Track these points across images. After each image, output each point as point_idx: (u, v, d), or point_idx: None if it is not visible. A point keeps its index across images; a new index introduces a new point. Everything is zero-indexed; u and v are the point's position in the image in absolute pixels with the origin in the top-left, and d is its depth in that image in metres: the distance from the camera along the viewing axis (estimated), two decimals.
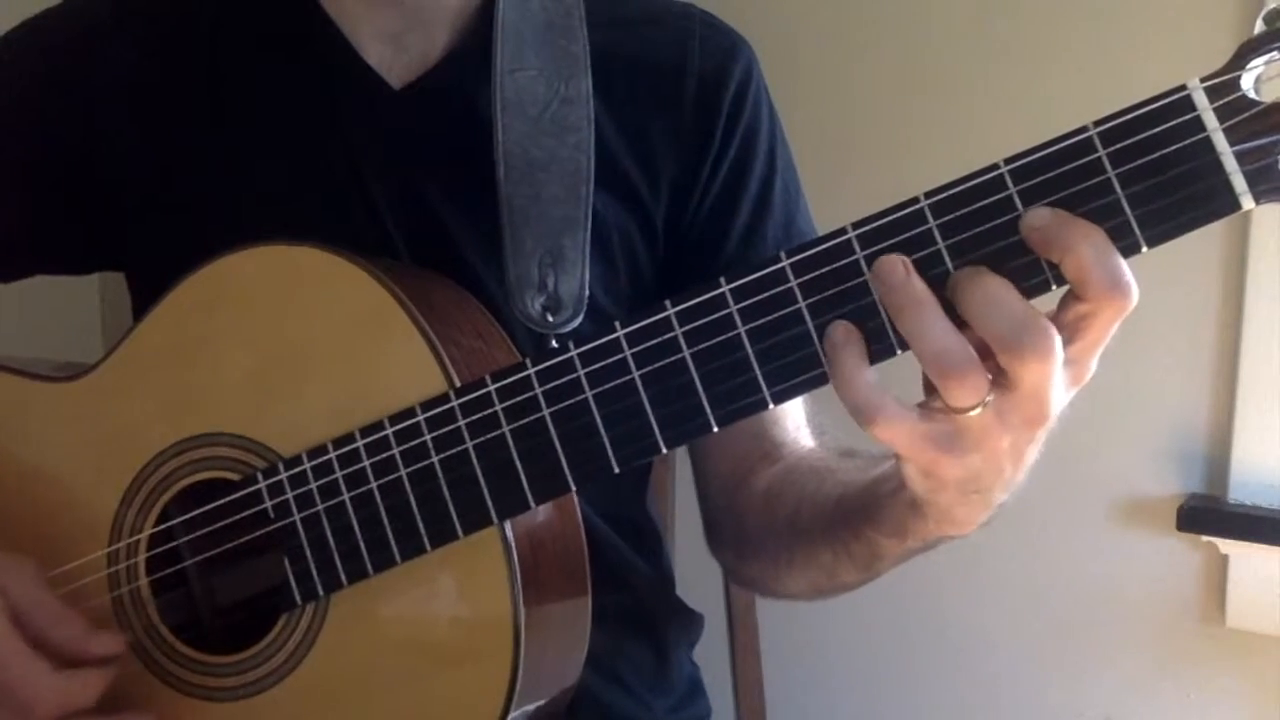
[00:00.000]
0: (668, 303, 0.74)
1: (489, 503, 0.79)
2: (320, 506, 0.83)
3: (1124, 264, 0.66)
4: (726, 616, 1.48)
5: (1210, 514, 1.60)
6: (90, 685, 0.85)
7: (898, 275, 0.68)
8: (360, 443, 0.82)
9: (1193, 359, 1.62)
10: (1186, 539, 1.63)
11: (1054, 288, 0.68)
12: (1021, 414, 0.68)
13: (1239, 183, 0.64)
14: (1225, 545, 1.61)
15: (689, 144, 1.04)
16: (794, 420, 1.06)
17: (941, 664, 1.80)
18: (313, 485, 0.83)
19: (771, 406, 0.72)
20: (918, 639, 1.81)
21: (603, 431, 0.75)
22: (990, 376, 0.67)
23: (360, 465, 0.82)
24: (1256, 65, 0.65)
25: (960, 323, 0.67)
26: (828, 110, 1.76)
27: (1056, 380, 0.67)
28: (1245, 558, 1.60)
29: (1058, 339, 0.66)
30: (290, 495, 0.84)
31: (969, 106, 1.70)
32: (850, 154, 1.74)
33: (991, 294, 0.66)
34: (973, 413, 0.67)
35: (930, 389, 0.70)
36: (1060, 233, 0.66)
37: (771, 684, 1.52)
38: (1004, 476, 0.73)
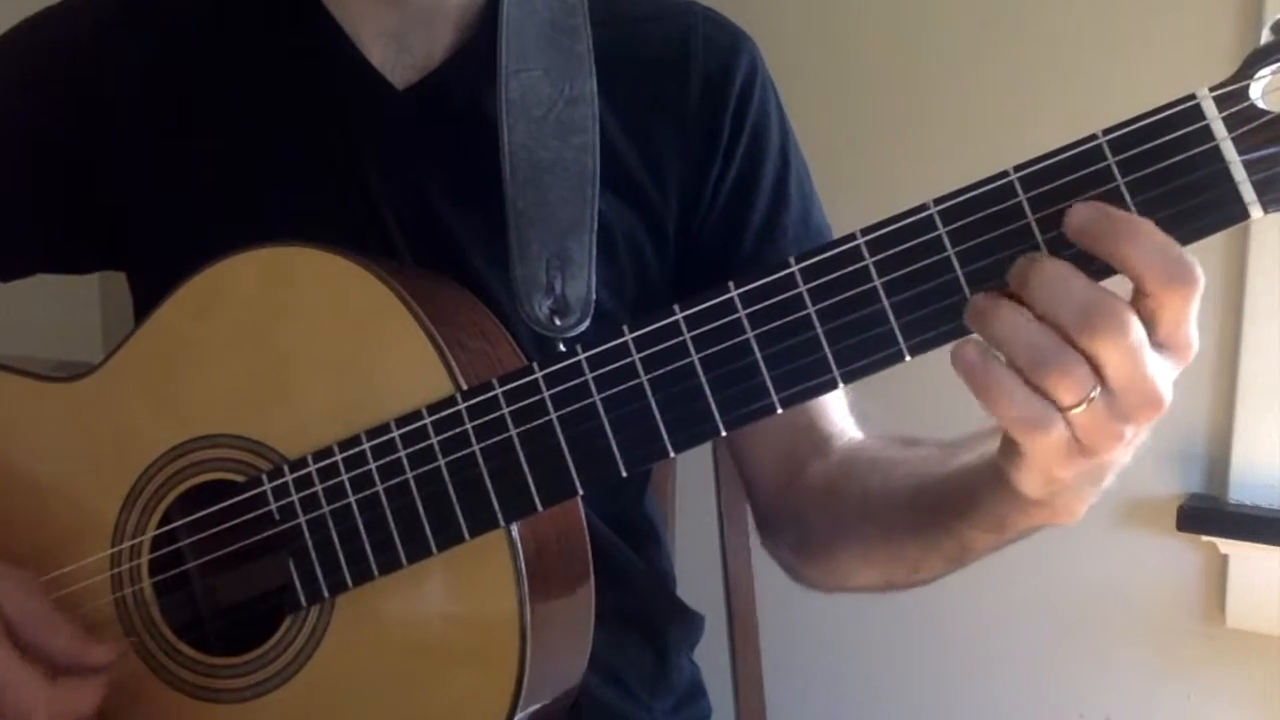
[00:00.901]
0: (676, 307, 0.74)
1: (496, 505, 0.79)
2: (326, 509, 0.83)
3: (1180, 252, 0.64)
4: (726, 616, 1.48)
5: (1210, 514, 1.61)
6: (85, 695, 0.85)
7: (981, 300, 0.67)
8: (366, 445, 0.82)
9: (1193, 359, 1.61)
10: (1186, 539, 1.63)
11: None
12: (1129, 400, 0.66)
13: (1248, 191, 0.65)
14: (1225, 545, 1.61)
15: (695, 142, 1.04)
16: (838, 410, 1.05)
17: (942, 664, 1.81)
18: (318, 487, 0.83)
19: (780, 411, 0.72)
20: (918, 639, 1.81)
21: (610, 435, 0.76)
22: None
23: (366, 468, 0.82)
24: (1264, 74, 0.65)
25: None
26: (828, 109, 1.76)
27: (1151, 361, 0.65)
28: (1245, 558, 1.60)
29: (1130, 314, 0.64)
30: (295, 497, 0.84)
31: (971, 109, 1.70)
32: (850, 154, 1.74)
33: (1052, 275, 0.65)
34: (1078, 410, 0.66)
35: None
36: (1104, 236, 0.65)
37: (771, 684, 1.52)
38: (1118, 464, 0.73)
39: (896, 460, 0.94)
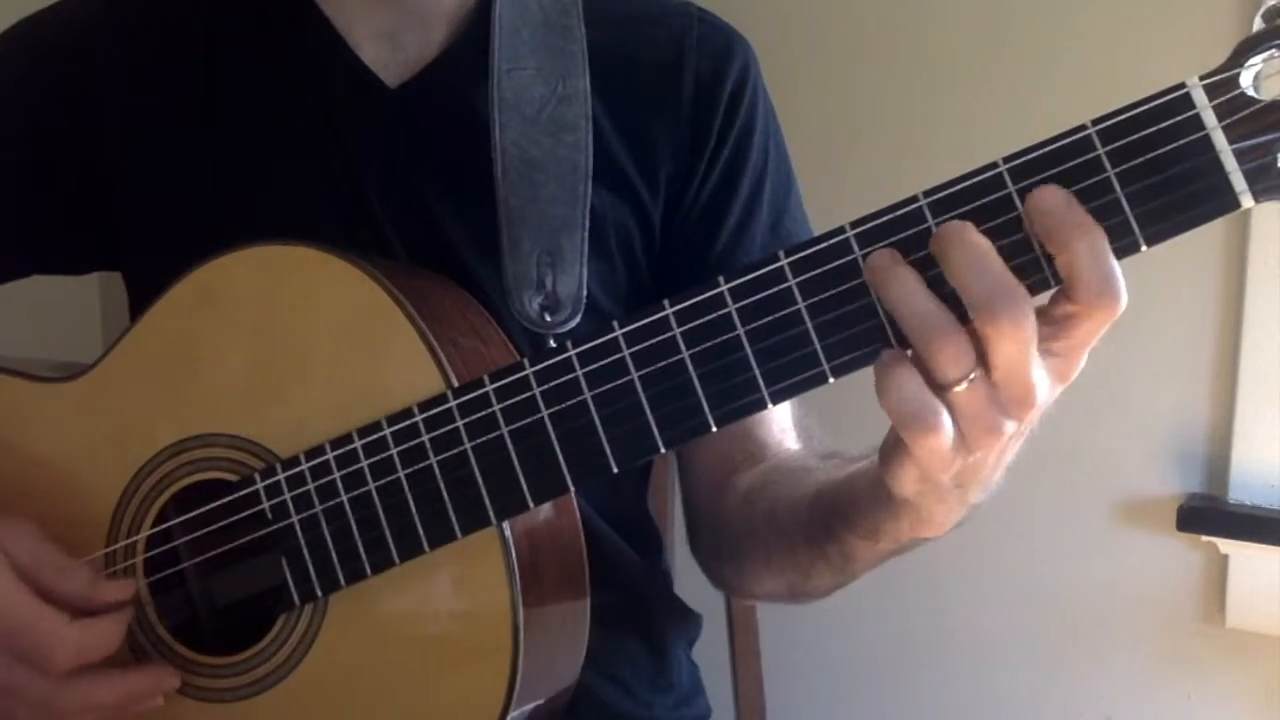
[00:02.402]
0: (666, 302, 0.73)
1: (487, 503, 0.79)
2: (318, 508, 0.83)
3: (1117, 270, 0.65)
4: (726, 616, 1.48)
5: (1210, 514, 1.60)
6: (108, 633, 0.84)
7: (883, 259, 0.69)
8: (358, 443, 0.82)
9: (1193, 359, 1.62)
10: (1186, 539, 1.63)
11: (1053, 285, 0.67)
12: (1008, 393, 0.67)
13: (1238, 181, 0.64)
14: (1225, 545, 1.61)
15: (686, 141, 1.04)
16: (780, 423, 1.06)
17: (941, 664, 1.80)
18: (310, 486, 0.83)
19: (770, 406, 0.72)
20: (918, 639, 1.81)
21: (601, 432, 0.75)
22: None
23: (358, 466, 0.82)
24: (1255, 63, 0.64)
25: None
26: (826, 108, 1.76)
27: (1036, 360, 0.67)
28: (1245, 558, 1.60)
29: (1030, 307, 0.66)
30: (288, 496, 0.84)
31: (967, 104, 1.70)
32: (848, 151, 1.74)
33: (972, 253, 0.66)
34: (960, 387, 0.67)
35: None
36: (1061, 226, 0.66)
37: (771, 684, 1.52)
38: (986, 472, 0.74)
39: (810, 469, 0.96)
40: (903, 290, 0.68)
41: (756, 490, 1.00)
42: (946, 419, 0.67)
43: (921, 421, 0.67)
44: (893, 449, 0.72)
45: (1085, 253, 0.65)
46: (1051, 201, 0.66)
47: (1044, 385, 0.68)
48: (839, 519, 0.84)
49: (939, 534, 0.79)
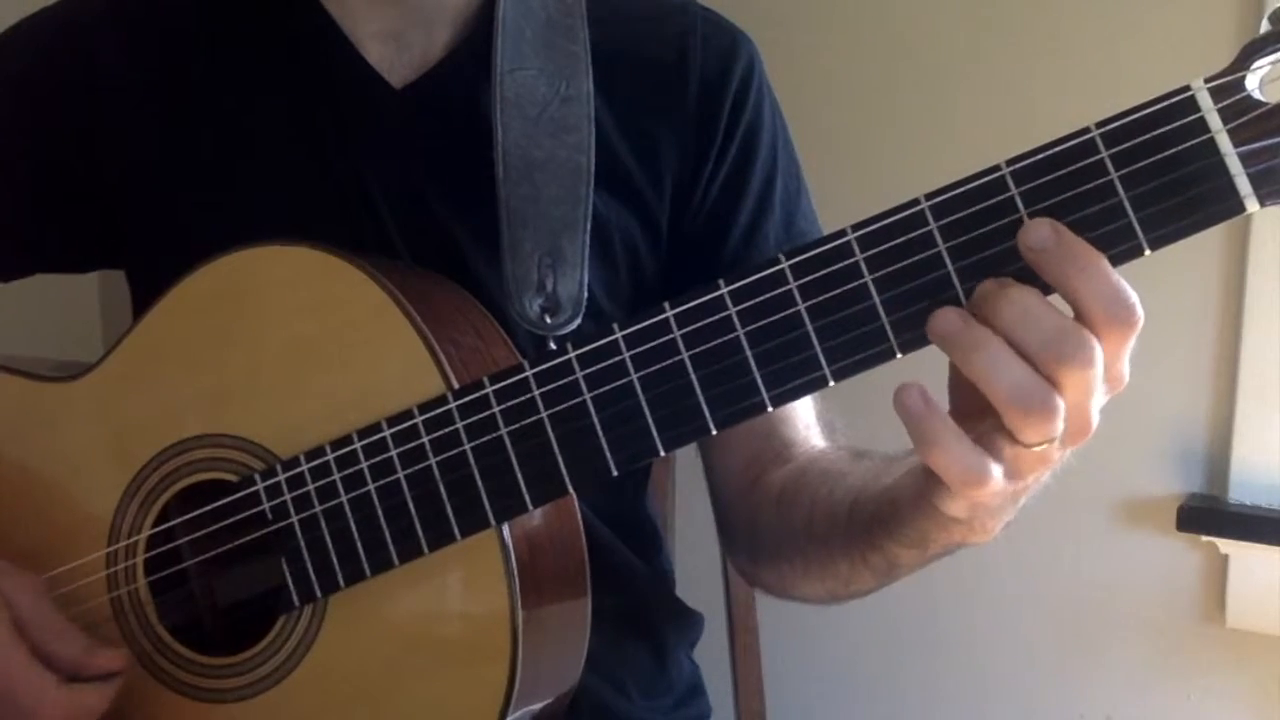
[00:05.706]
0: (666, 304, 0.73)
1: (486, 505, 0.78)
2: (318, 508, 0.83)
3: (1123, 290, 0.65)
4: (726, 616, 1.48)
5: (1210, 514, 1.61)
6: (94, 701, 0.85)
7: (954, 323, 0.67)
8: (358, 444, 0.81)
9: (1193, 359, 1.61)
10: (1186, 539, 1.63)
11: None
12: (1069, 428, 0.66)
13: (1243, 185, 0.64)
14: (1225, 545, 1.61)
15: (691, 142, 1.04)
16: (803, 419, 1.05)
17: (942, 664, 1.80)
18: (310, 487, 0.83)
19: (770, 410, 0.72)
20: (918, 639, 1.81)
21: (601, 434, 0.75)
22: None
23: (358, 467, 0.81)
24: (1261, 66, 0.64)
25: None
26: (827, 108, 1.76)
27: (1098, 389, 0.66)
28: (1245, 558, 1.60)
29: (1096, 344, 0.65)
30: (288, 497, 0.84)
31: (970, 105, 1.70)
32: (849, 153, 1.74)
33: (1025, 306, 0.65)
34: (1039, 447, 0.66)
35: (962, 411, 0.69)
36: (1053, 261, 0.65)
37: (771, 684, 1.52)
38: (1037, 485, 0.73)
39: (844, 473, 0.95)
40: (993, 361, 0.65)
41: (790, 494, 0.99)
42: (997, 470, 0.67)
43: (973, 481, 0.66)
44: (938, 482, 0.71)
45: (1083, 286, 0.65)
46: (1037, 237, 0.65)
47: (1098, 410, 0.67)
48: (881, 529, 0.83)
49: (988, 539, 0.78)
